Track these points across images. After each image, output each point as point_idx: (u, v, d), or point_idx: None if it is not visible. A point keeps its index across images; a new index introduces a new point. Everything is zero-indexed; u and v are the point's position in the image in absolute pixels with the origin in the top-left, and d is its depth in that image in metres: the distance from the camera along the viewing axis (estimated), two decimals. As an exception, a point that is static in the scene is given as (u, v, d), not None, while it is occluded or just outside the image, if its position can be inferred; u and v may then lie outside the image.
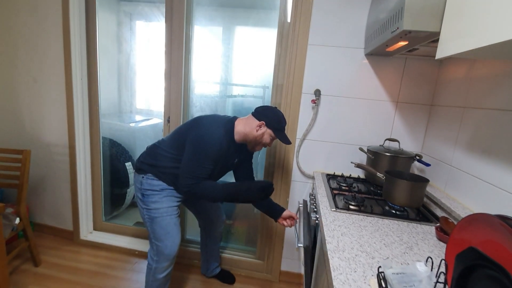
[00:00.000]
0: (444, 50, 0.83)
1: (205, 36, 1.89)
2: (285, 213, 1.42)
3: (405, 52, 1.31)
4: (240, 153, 1.39)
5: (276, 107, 1.35)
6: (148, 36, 2.25)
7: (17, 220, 1.62)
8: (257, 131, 1.30)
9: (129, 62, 2.29)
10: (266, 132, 1.31)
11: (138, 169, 1.37)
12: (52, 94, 1.93)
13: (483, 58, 1.11)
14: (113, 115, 2.37)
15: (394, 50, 1.29)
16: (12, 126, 2.04)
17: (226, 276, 1.84)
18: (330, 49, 1.55)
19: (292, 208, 1.77)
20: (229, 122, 1.31)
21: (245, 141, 1.34)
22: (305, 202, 1.60)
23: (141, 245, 2.07)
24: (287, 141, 1.33)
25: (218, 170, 1.33)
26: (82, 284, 1.70)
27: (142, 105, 2.48)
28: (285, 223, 1.42)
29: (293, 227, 1.44)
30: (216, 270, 1.83)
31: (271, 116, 1.30)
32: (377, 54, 1.49)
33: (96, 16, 1.89)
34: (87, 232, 2.17)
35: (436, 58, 0.86)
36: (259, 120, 1.30)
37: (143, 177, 1.33)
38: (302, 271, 1.85)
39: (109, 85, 2.25)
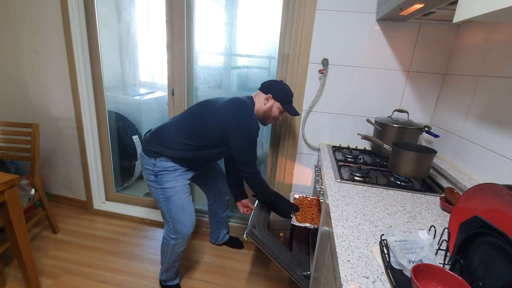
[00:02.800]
0: (463, 12, 0.77)
1: (207, 2, 1.79)
2: (245, 200, 1.63)
3: (420, 16, 1.23)
4: None
5: (282, 81, 1.40)
6: (148, 2, 2.15)
7: (33, 191, 1.69)
8: (265, 104, 1.35)
9: (129, 32, 2.21)
10: (274, 105, 1.35)
11: (150, 152, 1.31)
12: (55, 66, 1.90)
13: (506, 21, 1.04)
14: (117, 88, 2.35)
15: (408, 14, 1.21)
16: (19, 100, 2.05)
17: (235, 242, 1.93)
18: (340, 14, 1.46)
19: (297, 178, 1.80)
20: (252, 103, 1.36)
21: (257, 117, 1.37)
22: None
23: (152, 214, 2.16)
24: (295, 113, 1.38)
25: None
26: (100, 249, 1.82)
27: (146, 77, 2.44)
28: (241, 209, 1.62)
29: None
30: (225, 237, 1.92)
31: (277, 89, 1.34)
32: (390, 19, 1.40)
33: (92, -18, 1.79)
34: (100, 202, 2.27)
35: (454, 21, 0.80)
36: (266, 94, 1.35)
37: (155, 160, 1.30)
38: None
39: (111, 57, 2.20)
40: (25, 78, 1.99)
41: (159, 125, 1.39)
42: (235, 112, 1.29)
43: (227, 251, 1.89)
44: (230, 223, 2.03)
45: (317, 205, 1.53)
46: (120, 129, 2.28)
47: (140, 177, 2.53)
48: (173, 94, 1.86)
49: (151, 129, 1.41)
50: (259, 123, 1.40)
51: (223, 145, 1.33)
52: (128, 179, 2.43)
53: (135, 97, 2.37)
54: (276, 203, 1.42)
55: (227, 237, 1.93)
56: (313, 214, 1.43)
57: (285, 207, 1.42)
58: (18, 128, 1.72)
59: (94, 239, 1.91)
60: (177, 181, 1.33)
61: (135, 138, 2.34)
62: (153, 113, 2.45)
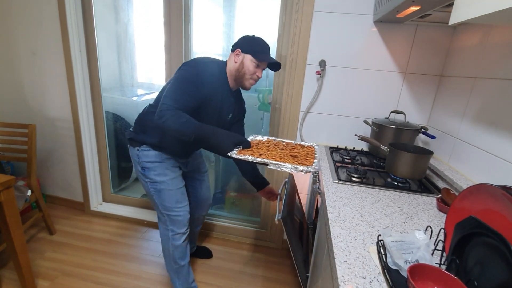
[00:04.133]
0: (459, 15, 0.78)
1: (205, 3, 1.80)
2: (268, 187, 1.49)
3: (416, 19, 1.24)
4: (235, 106, 1.33)
5: (253, 35, 1.24)
6: (146, 3, 2.15)
7: (29, 192, 1.68)
8: (235, 62, 1.20)
9: (127, 33, 2.21)
10: (245, 59, 1.18)
11: (131, 141, 1.28)
12: (52, 67, 1.90)
13: (501, 24, 1.05)
14: (114, 89, 2.34)
15: (405, 16, 1.22)
16: (16, 100, 2.04)
17: (203, 252, 1.82)
18: (337, 16, 1.47)
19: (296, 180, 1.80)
20: (224, 63, 1.25)
21: (234, 82, 1.24)
22: (290, 175, 1.55)
23: (150, 216, 2.15)
24: (273, 60, 1.18)
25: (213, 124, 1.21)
26: (96, 251, 1.81)
27: (143, 78, 2.44)
28: (265, 197, 1.50)
29: (305, 199, 1.46)
30: (192, 249, 1.77)
31: (244, 41, 1.20)
32: (386, 21, 1.42)
33: (90, -18, 1.79)
34: (97, 204, 2.26)
35: (450, 24, 0.81)
36: (234, 50, 1.20)
37: (138, 150, 1.25)
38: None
39: (108, 57, 2.20)
40: (21, 79, 1.98)
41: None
42: (193, 60, 1.18)
43: (232, 254, 1.88)
44: (228, 225, 2.02)
45: (284, 146, 1.17)
46: (118, 130, 2.27)
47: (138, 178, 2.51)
48: (171, 95, 1.85)
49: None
50: (242, 88, 1.26)
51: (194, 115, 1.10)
52: (126, 180, 2.42)
53: (133, 98, 2.37)
54: (211, 137, 1.05)
55: (194, 249, 1.79)
56: (268, 150, 1.07)
57: (224, 140, 1.04)
58: (15, 129, 1.71)
59: (91, 241, 1.90)
60: (166, 175, 1.27)
61: (133, 139, 2.33)
62: (150, 114, 2.45)
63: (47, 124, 2.05)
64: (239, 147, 1.07)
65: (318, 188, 1.25)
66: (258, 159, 0.93)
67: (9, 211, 1.26)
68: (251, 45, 1.18)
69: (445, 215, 0.80)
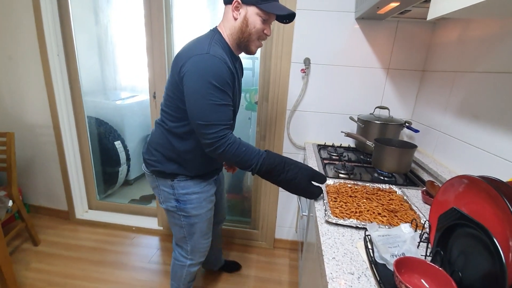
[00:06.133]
0: (436, 10, 0.79)
1: (187, 1, 1.77)
2: None
3: (397, 15, 1.26)
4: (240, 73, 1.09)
5: None
6: (126, 4, 2.10)
7: (10, 203, 1.61)
8: (236, 19, 0.93)
9: (108, 35, 2.15)
10: (248, 13, 0.91)
11: (159, 173, 1.08)
12: (30, 72, 1.83)
13: (478, 17, 1.07)
14: (97, 93, 2.28)
15: (385, 13, 1.23)
16: (-8, 108, 1.96)
17: (231, 265, 1.75)
18: (320, 14, 1.47)
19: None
20: (215, 33, 0.96)
21: (238, 47, 1.00)
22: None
23: (138, 221, 2.10)
24: (284, 11, 0.92)
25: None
26: (83, 259, 1.75)
27: (126, 81, 2.38)
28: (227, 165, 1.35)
29: (295, 198, 1.41)
30: (222, 261, 1.69)
31: None
32: (368, 18, 1.43)
33: (66, -17, 1.73)
34: (83, 211, 2.19)
35: (428, 19, 0.82)
36: (232, 3, 0.91)
37: (173, 181, 1.08)
38: (295, 237, 1.93)
39: (89, 60, 2.14)
40: (-3, 85, 1.90)
41: (148, 139, 1.15)
42: (189, 50, 0.91)
43: (224, 255, 1.86)
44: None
45: (367, 193, 0.99)
46: (102, 135, 2.21)
47: (125, 183, 2.46)
48: (154, 97, 1.82)
49: (145, 144, 1.16)
50: (246, 53, 1.03)
51: None
52: (112, 186, 2.36)
53: (117, 102, 2.31)
54: (282, 169, 0.91)
55: (223, 261, 1.70)
56: (359, 205, 0.90)
57: (297, 174, 0.91)
58: (-9, 137, 1.64)
59: (78, 250, 1.84)
60: (203, 207, 1.15)
61: (118, 143, 2.27)
62: (135, 117, 2.40)
63: (26, 131, 1.98)
64: (318, 193, 0.92)
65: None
66: (364, 223, 0.80)
67: (-13, 224, 1.20)
68: None
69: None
